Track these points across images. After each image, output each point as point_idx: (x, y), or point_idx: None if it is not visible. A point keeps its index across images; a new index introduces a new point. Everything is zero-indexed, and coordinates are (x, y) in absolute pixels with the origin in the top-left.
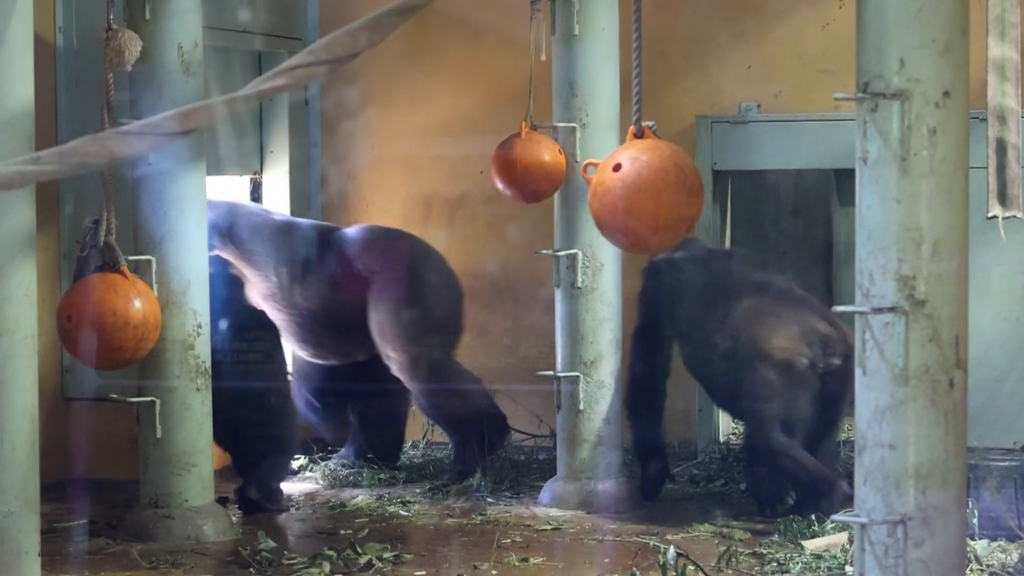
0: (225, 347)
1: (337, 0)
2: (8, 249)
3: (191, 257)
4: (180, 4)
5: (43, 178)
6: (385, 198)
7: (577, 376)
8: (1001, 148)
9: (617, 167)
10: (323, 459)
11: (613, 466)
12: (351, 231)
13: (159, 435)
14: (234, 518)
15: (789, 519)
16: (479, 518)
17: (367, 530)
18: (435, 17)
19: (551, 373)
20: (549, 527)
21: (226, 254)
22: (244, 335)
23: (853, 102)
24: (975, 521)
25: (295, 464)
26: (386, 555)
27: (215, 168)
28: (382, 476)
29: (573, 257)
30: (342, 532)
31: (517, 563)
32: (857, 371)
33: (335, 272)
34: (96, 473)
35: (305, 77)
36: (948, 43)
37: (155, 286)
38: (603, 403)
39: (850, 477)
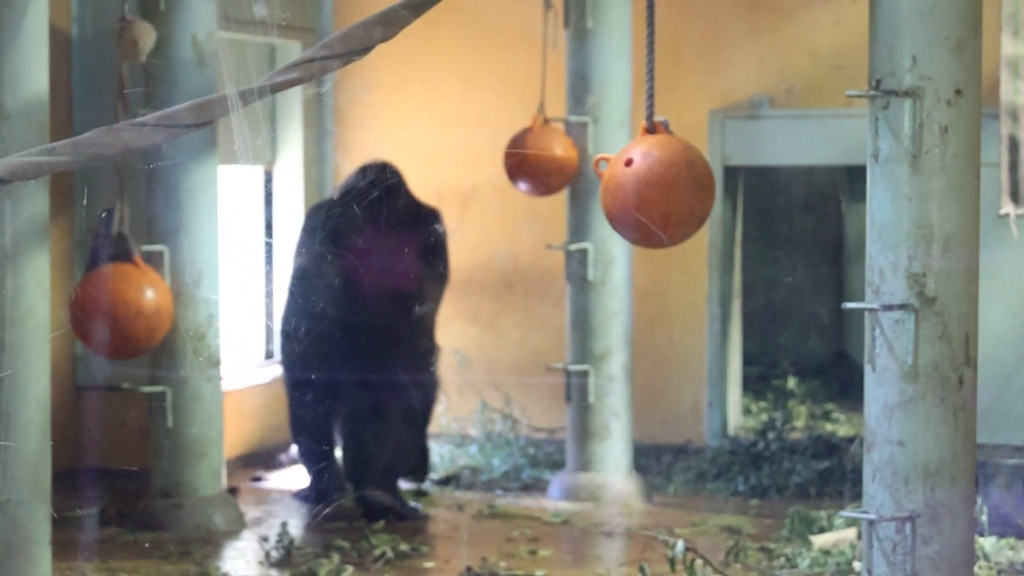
0: None
1: None
2: (22, 239)
3: (204, 248)
4: None
5: (57, 169)
6: None
7: (587, 369)
8: (1014, 145)
9: (629, 162)
10: None
11: (622, 459)
12: None
13: (170, 425)
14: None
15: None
16: (488, 510)
17: (382, 521)
18: (448, 11)
19: (561, 366)
20: (558, 520)
21: None
22: None
23: (865, 99)
24: (984, 518)
25: None
26: (402, 547)
27: (228, 159)
28: None
29: (584, 251)
30: (353, 523)
31: (526, 556)
32: (867, 368)
33: None
34: (107, 462)
35: (319, 71)
36: (960, 41)
37: (167, 276)
38: (613, 396)
39: (859, 473)
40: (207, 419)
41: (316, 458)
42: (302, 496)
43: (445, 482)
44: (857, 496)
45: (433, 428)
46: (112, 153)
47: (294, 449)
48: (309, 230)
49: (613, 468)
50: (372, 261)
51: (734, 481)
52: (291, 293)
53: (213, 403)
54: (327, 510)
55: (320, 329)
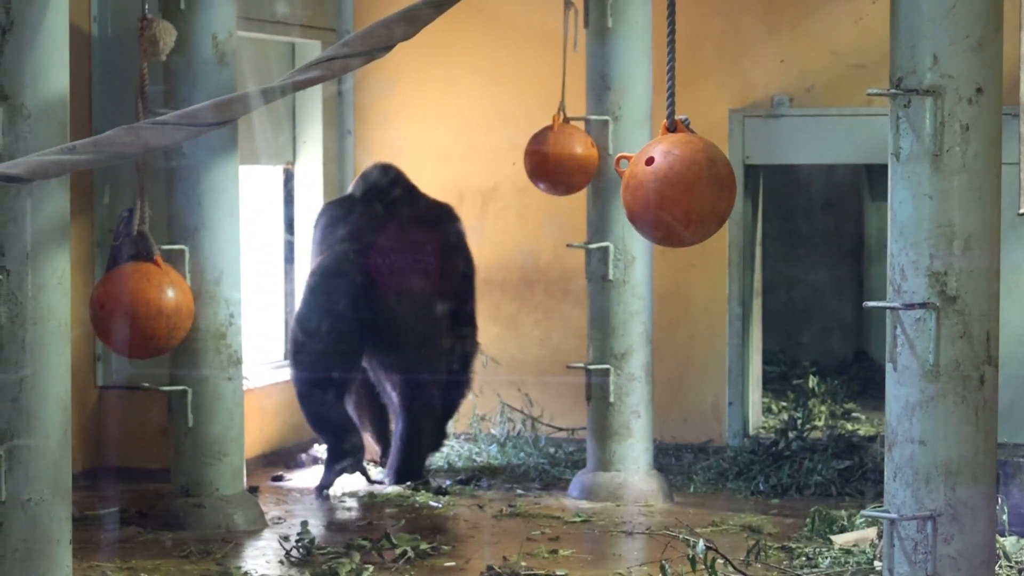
0: None
1: None
2: (43, 238)
3: (224, 247)
4: None
5: (78, 168)
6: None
7: (607, 368)
8: None
9: (650, 161)
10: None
11: (643, 459)
12: None
13: (191, 424)
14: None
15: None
16: (508, 510)
17: (403, 521)
18: (469, 9)
19: (581, 365)
20: (579, 519)
21: None
22: None
23: (885, 97)
24: (1004, 518)
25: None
26: (423, 546)
27: (248, 158)
28: None
29: (604, 250)
30: (373, 523)
31: (546, 555)
32: (888, 367)
33: None
34: (128, 461)
35: (341, 69)
36: (981, 39)
37: (188, 276)
38: (633, 396)
39: (881, 473)
40: (228, 418)
41: (343, 439)
42: (322, 483)
43: (466, 481)
44: (878, 495)
45: (455, 427)
46: (133, 152)
47: (316, 448)
48: (328, 227)
49: (634, 467)
50: (396, 259)
51: (755, 480)
52: (312, 290)
53: (234, 402)
54: (343, 469)
55: (344, 327)
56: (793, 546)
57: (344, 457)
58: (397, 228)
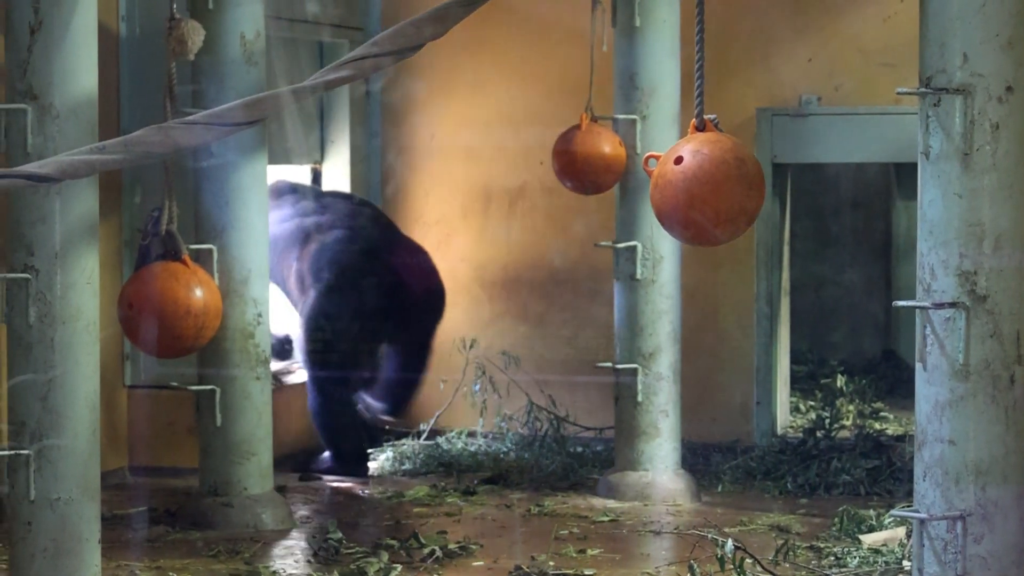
0: None
1: None
2: (71, 238)
3: (252, 246)
4: None
5: (108, 167)
6: (445, 189)
7: (635, 368)
8: None
9: (678, 160)
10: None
11: (671, 458)
12: None
13: (219, 423)
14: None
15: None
16: (536, 509)
17: (431, 520)
18: (497, 8)
19: (609, 365)
20: (606, 519)
21: None
22: None
23: (915, 96)
24: None
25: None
26: (451, 546)
27: (277, 158)
28: None
29: (633, 249)
30: (401, 522)
31: (574, 555)
32: (917, 366)
33: None
34: (156, 461)
35: (371, 68)
36: (1012, 37)
37: (216, 275)
38: (661, 395)
39: (910, 472)
40: (256, 417)
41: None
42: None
43: (493, 481)
44: (907, 495)
45: (484, 427)
46: (162, 151)
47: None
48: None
49: (661, 467)
50: (410, 261)
51: (783, 480)
52: (336, 289)
53: (262, 401)
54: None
55: (371, 324)
56: (821, 546)
57: (365, 458)
58: (387, 224)
